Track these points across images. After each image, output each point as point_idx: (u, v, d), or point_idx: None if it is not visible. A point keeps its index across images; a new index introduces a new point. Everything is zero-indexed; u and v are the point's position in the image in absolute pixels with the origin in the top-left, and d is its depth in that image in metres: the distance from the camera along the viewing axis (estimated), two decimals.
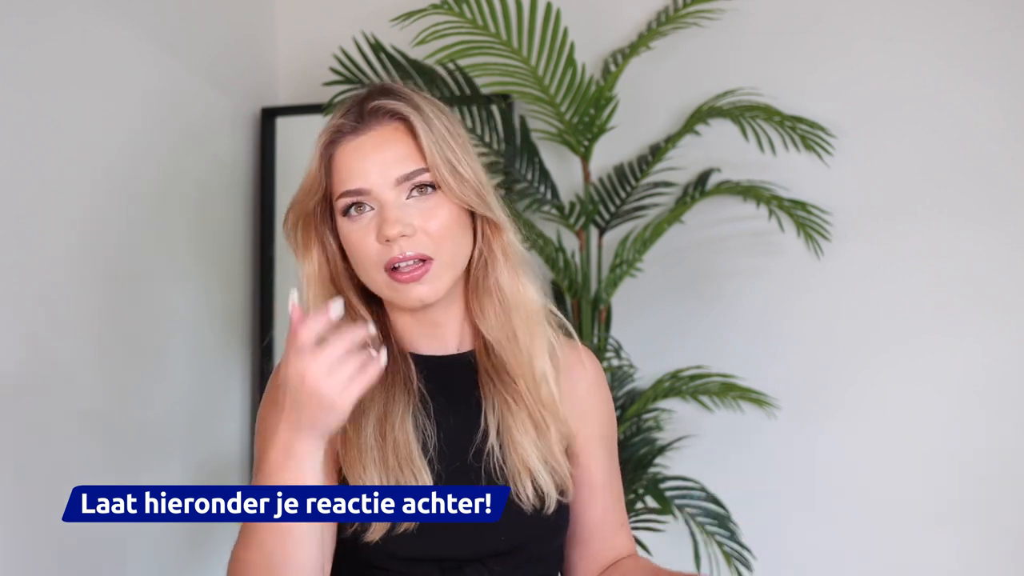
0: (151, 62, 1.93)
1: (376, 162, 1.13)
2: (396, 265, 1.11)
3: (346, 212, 1.14)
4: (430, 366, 1.19)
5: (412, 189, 1.12)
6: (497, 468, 1.15)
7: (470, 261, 1.18)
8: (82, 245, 1.74)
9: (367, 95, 1.17)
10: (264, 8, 2.39)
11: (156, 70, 1.95)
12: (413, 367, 1.17)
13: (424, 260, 1.11)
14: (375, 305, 1.21)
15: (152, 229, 1.93)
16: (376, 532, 1.10)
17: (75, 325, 1.71)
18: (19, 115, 1.60)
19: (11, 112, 1.59)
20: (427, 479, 1.11)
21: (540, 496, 1.14)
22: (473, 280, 1.19)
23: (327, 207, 1.18)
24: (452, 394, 1.18)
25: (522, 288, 1.19)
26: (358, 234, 1.13)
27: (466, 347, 1.21)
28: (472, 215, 1.17)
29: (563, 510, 1.17)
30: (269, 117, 2.29)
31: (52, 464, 1.65)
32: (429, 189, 1.13)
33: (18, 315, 1.59)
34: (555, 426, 1.17)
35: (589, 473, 1.23)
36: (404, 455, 1.12)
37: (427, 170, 1.13)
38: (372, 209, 1.13)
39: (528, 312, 1.19)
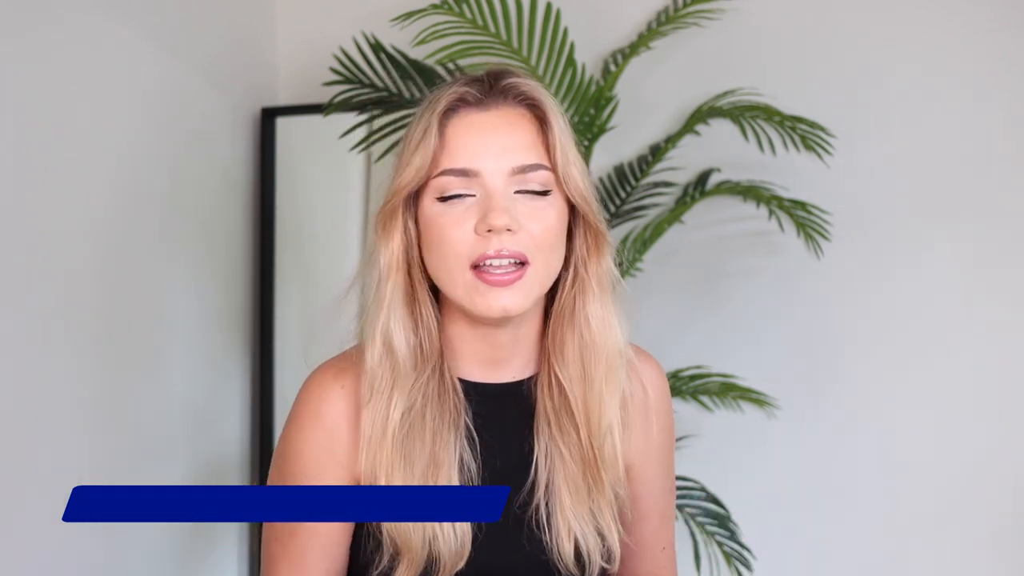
0: (151, 62, 1.93)
1: (497, 145, 1.01)
2: (486, 263, 0.99)
3: (442, 197, 1.01)
4: (483, 395, 1.07)
5: (522, 187, 1.02)
6: (542, 525, 1.05)
7: (559, 287, 1.07)
8: (81, 245, 1.74)
9: (497, 72, 1.07)
10: (264, 8, 2.39)
11: (156, 70, 1.95)
12: (463, 397, 1.06)
13: (521, 264, 1.00)
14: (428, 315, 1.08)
15: (151, 229, 1.93)
16: (403, 574, 1.02)
17: (74, 325, 1.71)
18: (18, 116, 1.60)
19: (10, 113, 1.59)
20: (467, 531, 1.02)
21: (581, 563, 1.05)
22: (559, 309, 1.07)
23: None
24: (503, 431, 1.08)
25: (610, 327, 1.07)
26: (448, 219, 1.00)
27: (522, 375, 1.10)
28: (569, 233, 1.06)
29: (604, 572, 1.09)
30: (269, 117, 2.29)
31: (52, 464, 1.65)
32: (539, 191, 1.03)
33: (18, 315, 1.59)
34: (611, 485, 1.07)
35: (641, 496, 1.14)
36: None
37: (546, 167, 1.03)
38: (472, 196, 1.01)
39: (610, 356, 1.07)
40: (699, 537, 1.96)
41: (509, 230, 0.99)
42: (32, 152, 1.63)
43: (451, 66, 1.99)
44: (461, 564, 1.02)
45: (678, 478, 1.97)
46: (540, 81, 1.91)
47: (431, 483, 1.02)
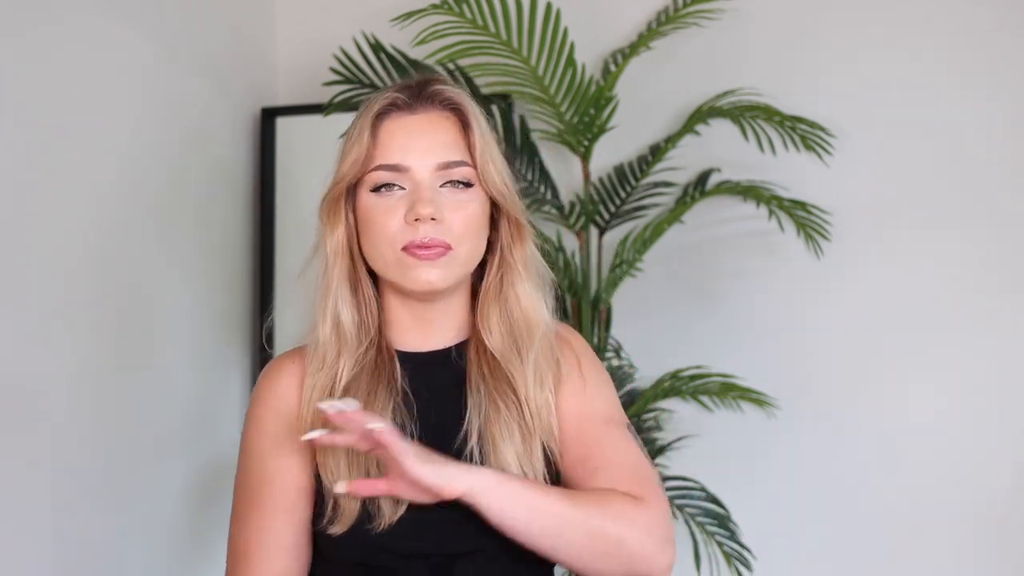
0: (151, 62, 1.93)
1: (423, 144, 1.13)
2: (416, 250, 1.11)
3: (376, 188, 1.13)
4: (415, 362, 1.18)
5: (447, 182, 1.13)
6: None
7: (487, 269, 1.19)
8: (81, 245, 1.74)
9: (424, 79, 1.19)
10: (264, 8, 2.39)
11: (156, 70, 1.95)
12: (399, 366, 1.16)
13: (446, 248, 1.11)
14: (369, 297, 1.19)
15: (152, 229, 1.93)
16: (340, 526, 1.09)
17: (74, 325, 1.71)
18: (18, 115, 1.60)
19: (10, 113, 1.59)
20: None
21: None
22: (486, 289, 1.19)
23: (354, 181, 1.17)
24: (436, 390, 1.16)
25: (536, 304, 1.18)
26: (381, 209, 1.13)
27: (452, 342, 1.19)
28: (492, 222, 1.18)
29: None
30: (269, 117, 2.29)
31: (51, 464, 1.65)
32: (461, 185, 1.14)
33: (18, 315, 1.59)
34: (540, 434, 1.14)
35: (591, 451, 1.15)
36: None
37: (468, 164, 1.14)
38: (403, 189, 1.13)
39: (540, 332, 1.17)
40: (699, 537, 1.96)
41: (433, 219, 1.10)
42: (32, 152, 1.63)
43: (451, 66, 1.99)
44: (401, 511, 1.08)
45: (678, 478, 1.97)
46: (539, 83, 1.92)
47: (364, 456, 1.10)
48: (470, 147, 1.15)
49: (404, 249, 1.11)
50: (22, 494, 1.59)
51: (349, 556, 1.12)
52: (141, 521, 1.87)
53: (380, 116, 1.15)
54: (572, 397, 1.19)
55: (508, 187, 1.17)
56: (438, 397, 1.16)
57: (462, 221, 1.12)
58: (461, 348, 1.19)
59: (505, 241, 1.18)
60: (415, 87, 1.17)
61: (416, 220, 1.10)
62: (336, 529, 1.10)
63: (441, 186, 1.13)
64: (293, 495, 1.14)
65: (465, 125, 1.16)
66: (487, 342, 1.17)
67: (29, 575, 1.60)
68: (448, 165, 1.13)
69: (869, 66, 2.12)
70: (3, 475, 1.55)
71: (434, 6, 1.87)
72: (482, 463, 1.11)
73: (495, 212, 1.19)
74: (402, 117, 1.15)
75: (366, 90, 1.97)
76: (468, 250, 1.14)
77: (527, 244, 1.19)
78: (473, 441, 1.13)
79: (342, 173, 1.16)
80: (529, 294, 1.18)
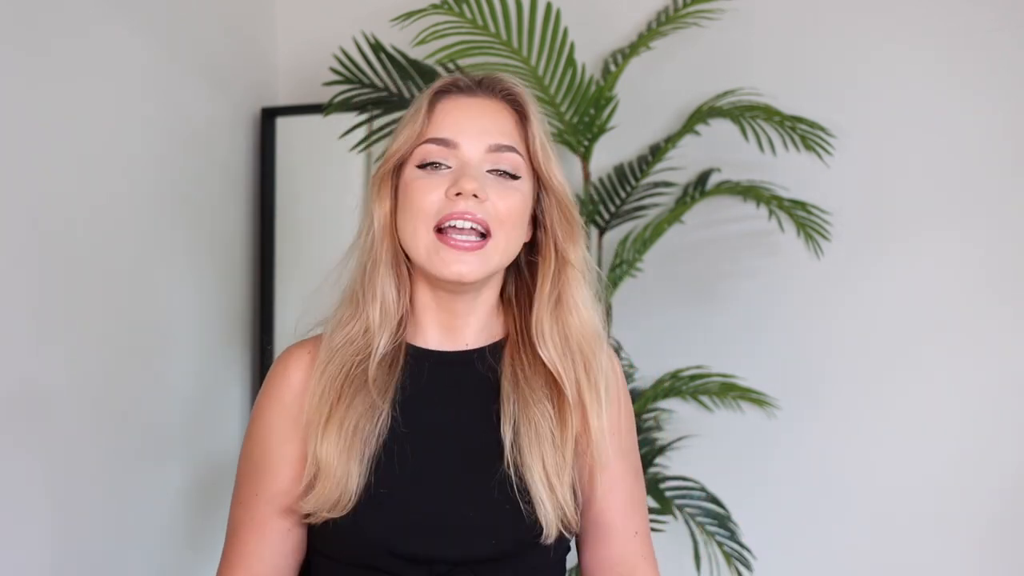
0: (150, 62, 1.93)
1: (478, 124, 1.11)
2: (450, 223, 1.06)
3: (423, 164, 1.10)
4: (436, 361, 1.14)
5: (494, 169, 1.10)
6: (506, 482, 1.09)
7: (542, 275, 1.14)
8: (81, 245, 1.74)
9: (488, 73, 1.18)
10: (264, 8, 2.39)
11: (155, 70, 1.95)
12: (411, 361, 1.13)
13: (483, 236, 1.07)
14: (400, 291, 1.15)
15: (152, 229, 1.93)
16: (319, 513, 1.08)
17: (74, 325, 1.71)
18: (18, 116, 1.60)
19: (10, 113, 1.59)
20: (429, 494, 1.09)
21: (540, 524, 1.09)
22: (540, 292, 1.13)
23: None
24: (457, 393, 1.13)
25: (593, 311, 1.14)
26: (424, 183, 1.09)
27: (476, 344, 1.15)
28: (534, 221, 1.15)
29: (563, 540, 1.12)
30: (269, 117, 2.29)
31: (51, 465, 1.65)
32: (508, 176, 1.10)
33: (18, 315, 1.59)
34: (572, 459, 1.11)
35: (611, 483, 1.17)
36: (366, 456, 1.08)
37: (519, 153, 1.11)
38: (449, 168, 1.09)
39: (599, 348, 1.13)
40: (699, 537, 1.96)
41: (476, 196, 1.06)
42: (33, 151, 1.63)
43: (451, 66, 1.99)
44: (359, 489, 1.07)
45: (678, 478, 1.97)
46: (539, 83, 1.92)
47: (359, 436, 1.07)
48: (526, 139, 1.12)
49: (439, 232, 1.07)
50: (21, 493, 1.59)
51: (348, 551, 1.10)
52: (140, 521, 1.87)
53: (439, 95, 1.13)
54: (610, 426, 1.15)
55: (564, 185, 1.14)
56: (463, 401, 1.13)
57: (506, 206, 1.08)
58: (491, 351, 1.15)
59: (560, 242, 1.14)
60: (478, 77, 1.16)
61: (458, 195, 1.06)
62: (314, 518, 1.07)
63: (488, 171, 1.10)
64: (290, 488, 1.12)
65: (523, 118, 1.13)
66: (541, 352, 1.11)
67: (28, 575, 1.60)
68: (499, 148, 1.10)
69: (869, 66, 2.12)
70: (2, 475, 1.55)
71: (434, 6, 1.87)
72: (514, 476, 1.08)
73: (542, 212, 1.15)
74: (460, 98, 1.13)
75: (366, 90, 1.97)
76: (506, 240, 1.09)
77: (581, 244, 1.15)
78: (506, 451, 1.09)
79: (395, 148, 1.12)
80: (588, 305, 1.14)
